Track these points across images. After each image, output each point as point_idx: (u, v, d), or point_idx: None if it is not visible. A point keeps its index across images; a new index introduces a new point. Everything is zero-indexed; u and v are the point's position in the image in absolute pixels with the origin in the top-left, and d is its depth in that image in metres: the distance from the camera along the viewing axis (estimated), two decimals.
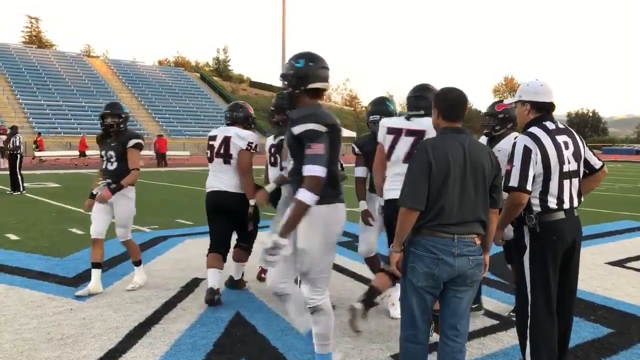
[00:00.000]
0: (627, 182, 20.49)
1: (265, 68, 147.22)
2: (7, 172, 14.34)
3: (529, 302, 3.08)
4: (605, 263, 6.44)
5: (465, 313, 2.78)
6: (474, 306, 4.41)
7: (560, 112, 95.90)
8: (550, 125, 3.10)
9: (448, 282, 2.70)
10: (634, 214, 10.94)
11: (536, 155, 2.98)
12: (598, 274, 5.92)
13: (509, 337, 3.96)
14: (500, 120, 4.49)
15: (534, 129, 3.07)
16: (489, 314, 4.53)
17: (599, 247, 7.42)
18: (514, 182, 2.98)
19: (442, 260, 2.64)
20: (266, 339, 3.91)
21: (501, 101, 4.66)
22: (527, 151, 2.99)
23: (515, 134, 4.51)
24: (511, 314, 4.41)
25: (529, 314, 3.08)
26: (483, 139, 4.86)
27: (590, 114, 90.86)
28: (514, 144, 3.09)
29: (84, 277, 5.48)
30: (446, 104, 2.81)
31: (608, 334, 4.09)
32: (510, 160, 3.05)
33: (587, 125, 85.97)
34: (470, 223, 2.69)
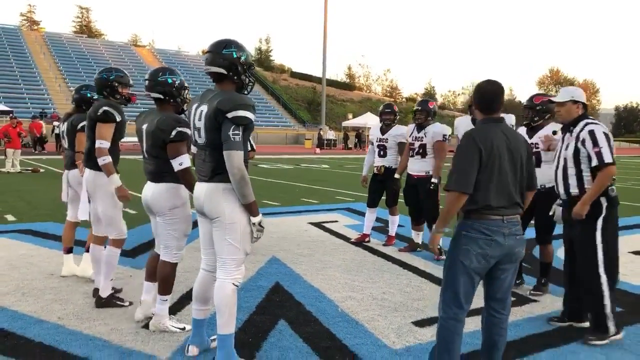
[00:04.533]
0: None
1: (306, 58, 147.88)
2: (61, 157, 15.26)
3: (602, 269, 3.87)
4: (629, 252, 6.69)
5: (510, 287, 3.09)
6: (517, 282, 4.95)
7: (607, 106, 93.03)
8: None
9: (497, 261, 2.96)
10: None
11: (610, 139, 3.85)
12: (620, 261, 6.16)
13: (522, 312, 4.36)
14: (538, 112, 4.94)
15: (594, 120, 3.93)
16: None
17: (627, 237, 7.63)
18: (608, 158, 3.76)
19: (495, 240, 2.89)
20: (302, 304, 4.41)
21: (541, 94, 5.09)
22: (607, 135, 3.85)
23: (553, 123, 4.90)
24: (531, 292, 4.83)
25: (610, 273, 3.91)
26: (522, 129, 5.25)
27: None
28: (592, 131, 3.84)
29: (139, 251, 6.09)
30: (479, 96, 3.08)
31: (618, 312, 4.41)
32: (596, 143, 3.80)
33: (637, 120, 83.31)
34: (514, 205, 2.98)
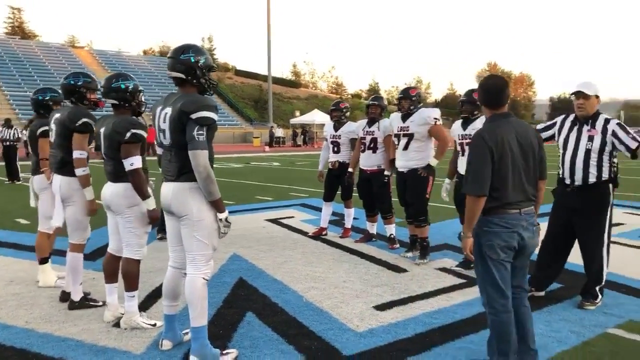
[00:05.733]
0: None
1: (250, 56, 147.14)
2: (2, 163, 14.81)
3: (606, 244, 4.33)
4: None
5: (526, 274, 3.21)
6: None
7: (542, 97, 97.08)
8: None
9: (517, 251, 3.07)
10: None
11: None
12: None
13: (472, 292, 4.66)
14: (478, 106, 5.27)
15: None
16: (457, 274, 5.25)
17: None
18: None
19: (517, 232, 3.00)
20: (267, 296, 4.58)
21: (476, 90, 5.42)
22: None
23: (484, 116, 5.23)
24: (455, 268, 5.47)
25: (608, 251, 4.36)
26: (458, 122, 5.56)
27: (572, 98, 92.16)
28: (620, 123, 4.26)
29: (98, 254, 6.08)
30: (484, 93, 3.13)
31: (558, 288, 4.81)
32: (627, 132, 4.22)
33: (571, 110, 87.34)
34: (529, 197, 3.08)
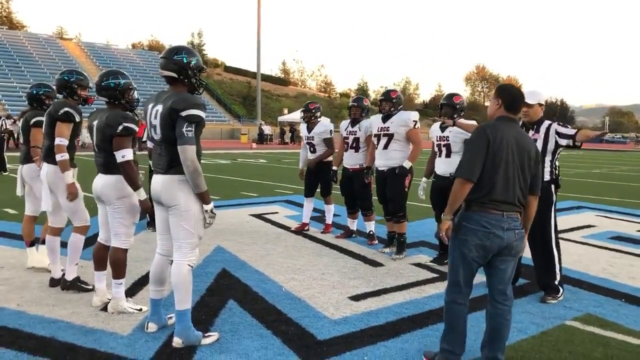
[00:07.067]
0: (583, 168, 21.89)
1: (240, 53, 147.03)
2: None
3: (554, 241, 4.67)
4: None
5: (510, 279, 3.21)
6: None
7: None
8: None
9: (496, 253, 3.11)
10: (580, 195, 12.11)
11: None
12: None
13: (444, 286, 4.88)
14: (457, 109, 5.53)
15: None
16: (431, 269, 5.52)
17: None
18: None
19: (494, 234, 3.04)
20: (249, 286, 4.81)
21: (457, 94, 5.72)
22: None
23: (462, 120, 5.49)
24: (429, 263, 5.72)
25: (558, 248, 4.69)
26: (437, 124, 5.83)
27: (559, 103, 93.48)
28: (560, 124, 4.64)
29: (85, 243, 6.24)
30: (509, 95, 3.26)
31: (525, 283, 5.09)
32: (567, 127, 4.61)
33: (555, 114, 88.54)
34: (516, 201, 3.12)
